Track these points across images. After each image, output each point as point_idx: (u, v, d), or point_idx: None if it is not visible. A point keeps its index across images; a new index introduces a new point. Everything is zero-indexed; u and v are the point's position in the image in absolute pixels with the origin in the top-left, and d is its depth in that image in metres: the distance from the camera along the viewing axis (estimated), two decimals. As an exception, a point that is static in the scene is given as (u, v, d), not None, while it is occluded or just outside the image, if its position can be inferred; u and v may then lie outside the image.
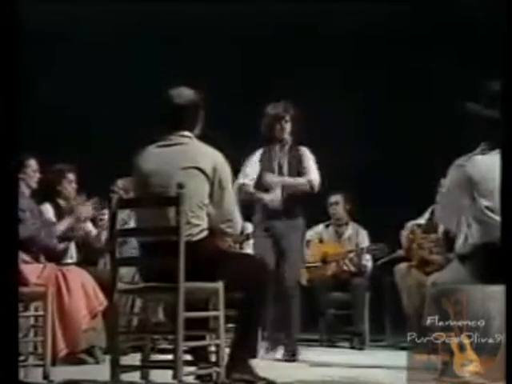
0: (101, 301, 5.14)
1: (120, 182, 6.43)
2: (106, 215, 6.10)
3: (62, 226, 5.63)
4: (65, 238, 5.69)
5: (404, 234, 6.08)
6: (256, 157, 5.85)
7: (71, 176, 5.99)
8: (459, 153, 4.24)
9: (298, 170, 5.78)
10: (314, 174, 5.75)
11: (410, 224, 6.20)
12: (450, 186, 4.22)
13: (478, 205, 4.04)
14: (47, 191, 5.77)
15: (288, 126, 5.79)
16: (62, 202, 5.93)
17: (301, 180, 5.74)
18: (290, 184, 5.73)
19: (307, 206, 5.77)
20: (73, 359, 5.14)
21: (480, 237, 4.04)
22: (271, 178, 5.74)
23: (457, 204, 4.15)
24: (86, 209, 5.78)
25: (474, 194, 4.06)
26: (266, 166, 5.80)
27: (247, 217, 6.04)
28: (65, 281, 5.08)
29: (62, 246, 5.65)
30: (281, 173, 5.79)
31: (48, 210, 5.77)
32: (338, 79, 8.17)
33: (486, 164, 4.05)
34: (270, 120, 5.77)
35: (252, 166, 5.82)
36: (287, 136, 5.81)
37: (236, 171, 4.26)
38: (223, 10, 8.34)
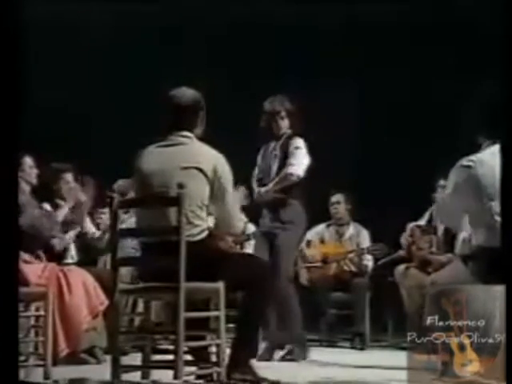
0: (102, 300, 5.14)
1: (117, 185, 6.42)
2: (105, 215, 6.11)
3: (61, 214, 5.58)
4: (66, 227, 5.65)
5: (404, 234, 6.09)
6: (259, 155, 5.86)
7: (68, 176, 5.90)
8: (460, 153, 4.21)
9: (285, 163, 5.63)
10: (292, 166, 5.56)
11: (410, 225, 6.20)
12: (454, 187, 4.07)
13: (487, 208, 3.95)
14: (44, 191, 5.74)
15: (285, 122, 5.69)
16: (60, 202, 5.91)
17: (279, 177, 5.60)
18: (272, 188, 5.61)
19: (306, 205, 5.74)
20: (74, 359, 5.13)
21: (486, 240, 3.95)
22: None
23: (462, 205, 4.09)
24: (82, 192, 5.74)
25: (483, 196, 3.95)
26: (262, 163, 5.79)
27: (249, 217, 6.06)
28: (66, 281, 5.08)
29: (64, 241, 5.62)
30: (269, 170, 5.71)
31: (48, 209, 5.75)
32: (338, 79, 8.17)
33: (495, 165, 3.96)
34: (266, 116, 5.71)
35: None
36: (285, 131, 5.71)
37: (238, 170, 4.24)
38: (223, 10, 8.35)
